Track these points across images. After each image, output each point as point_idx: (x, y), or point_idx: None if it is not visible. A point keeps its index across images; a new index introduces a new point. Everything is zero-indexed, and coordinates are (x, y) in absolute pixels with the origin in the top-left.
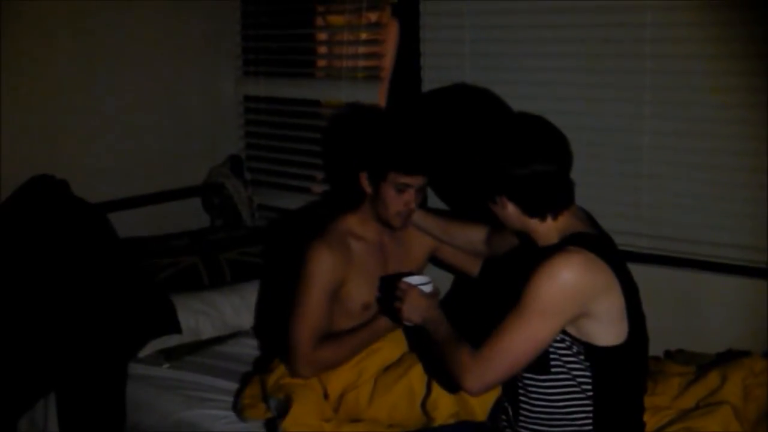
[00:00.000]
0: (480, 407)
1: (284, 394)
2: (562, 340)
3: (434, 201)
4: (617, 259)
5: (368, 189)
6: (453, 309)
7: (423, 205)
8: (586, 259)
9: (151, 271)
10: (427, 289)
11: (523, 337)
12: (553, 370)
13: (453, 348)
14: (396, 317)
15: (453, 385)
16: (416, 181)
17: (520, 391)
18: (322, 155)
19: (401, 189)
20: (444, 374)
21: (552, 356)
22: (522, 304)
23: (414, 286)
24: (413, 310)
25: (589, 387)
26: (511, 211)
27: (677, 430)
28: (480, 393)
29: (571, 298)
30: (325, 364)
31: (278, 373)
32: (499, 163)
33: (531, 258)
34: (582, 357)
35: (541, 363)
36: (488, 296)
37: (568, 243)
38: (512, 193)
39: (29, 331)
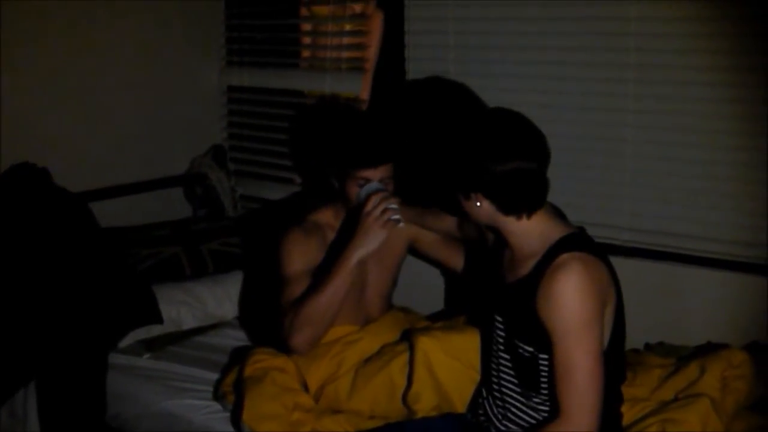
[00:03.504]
0: (460, 400)
1: (235, 395)
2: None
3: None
4: (604, 253)
5: (336, 186)
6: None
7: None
8: (590, 262)
9: (133, 261)
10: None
11: (590, 359)
12: (542, 389)
13: None
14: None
15: None
16: (377, 173)
17: (498, 402)
18: (302, 147)
19: (362, 184)
20: None
21: (542, 374)
22: (565, 333)
23: None
24: None
25: None
26: (485, 208)
27: (655, 422)
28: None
29: (599, 300)
30: (312, 322)
31: (232, 376)
32: (479, 160)
33: (529, 277)
34: None
35: (531, 384)
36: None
37: (558, 250)
38: (490, 191)
39: (9, 320)
